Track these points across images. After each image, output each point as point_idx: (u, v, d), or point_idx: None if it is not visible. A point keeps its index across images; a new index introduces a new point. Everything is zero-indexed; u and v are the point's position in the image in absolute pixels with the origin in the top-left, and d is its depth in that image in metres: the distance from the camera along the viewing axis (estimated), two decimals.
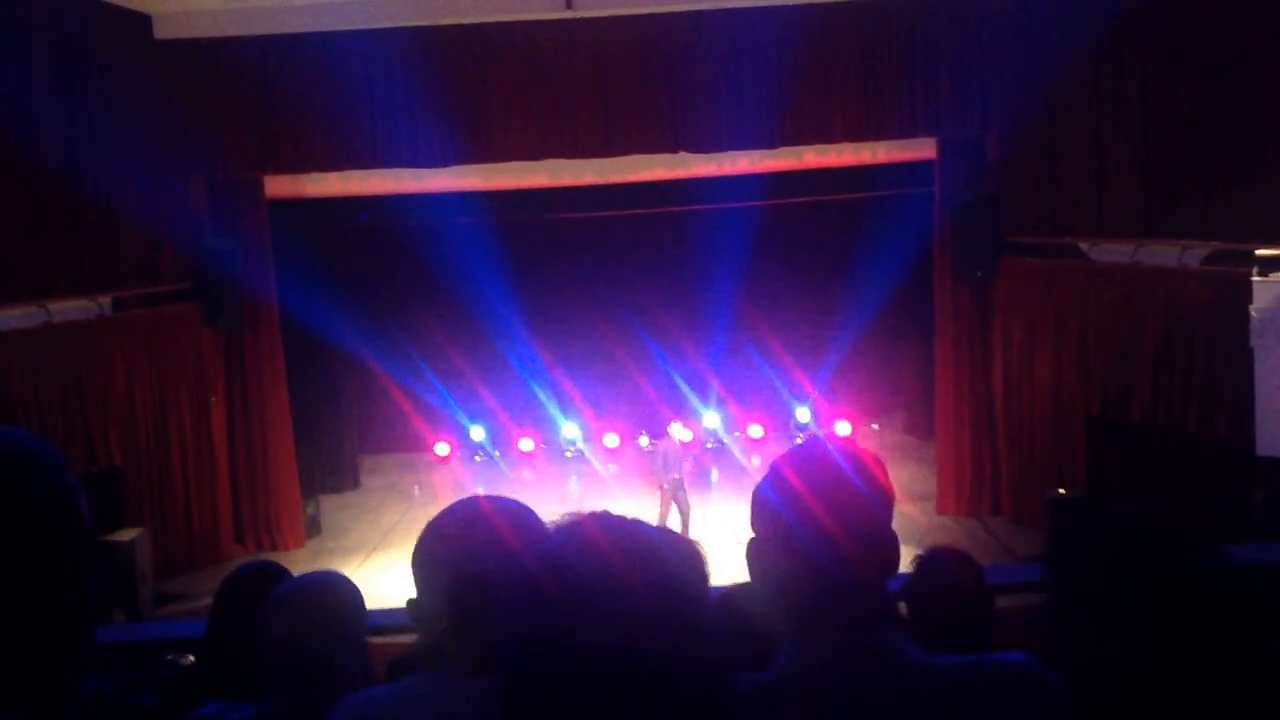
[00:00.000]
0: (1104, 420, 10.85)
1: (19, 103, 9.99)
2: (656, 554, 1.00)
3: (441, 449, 14.56)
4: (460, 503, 1.65)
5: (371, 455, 14.88)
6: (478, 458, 14.53)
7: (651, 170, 12.30)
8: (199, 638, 3.02)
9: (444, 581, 1.55)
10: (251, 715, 2.08)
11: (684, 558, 1.02)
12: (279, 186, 12.11)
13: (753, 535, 1.49)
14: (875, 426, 14.96)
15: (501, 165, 11.73)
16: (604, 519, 1.04)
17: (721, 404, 14.32)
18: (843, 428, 14.28)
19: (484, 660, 1.48)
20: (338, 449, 14.28)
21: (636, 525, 1.04)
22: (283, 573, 2.74)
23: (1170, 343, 9.93)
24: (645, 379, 14.42)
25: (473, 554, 1.54)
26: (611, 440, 14.55)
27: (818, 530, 1.41)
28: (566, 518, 1.05)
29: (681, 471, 11.45)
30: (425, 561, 1.59)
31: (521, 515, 1.60)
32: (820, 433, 13.51)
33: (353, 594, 2.15)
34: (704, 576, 1.04)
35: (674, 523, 10.96)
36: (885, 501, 1.47)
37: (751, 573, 1.49)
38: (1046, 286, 11.18)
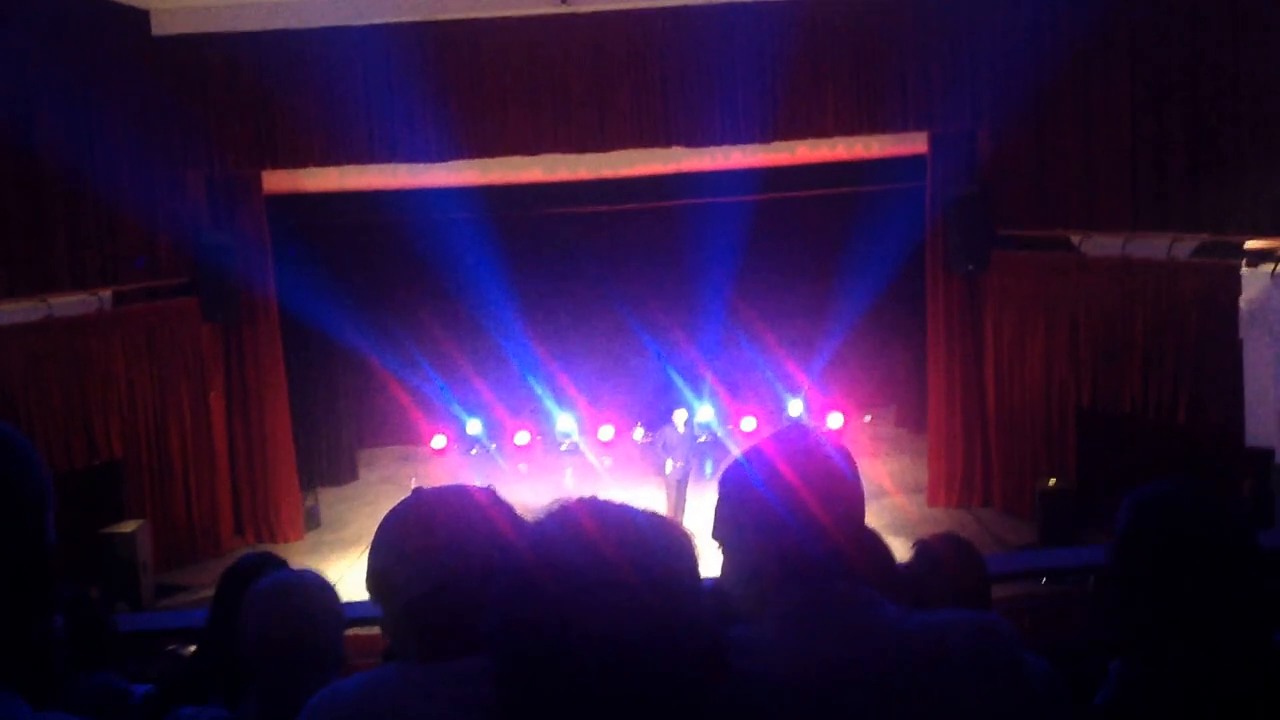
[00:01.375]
0: (1094, 411, 10.94)
1: (18, 99, 10.06)
2: (645, 539, 1.00)
3: (438, 442, 14.63)
4: (411, 501, 1.66)
5: (369, 448, 14.96)
6: (474, 451, 14.59)
7: (646, 165, 12.36)
8: (200, 628, 3.10)
9: (420, 591, 1.55)
10: (228, 718, 2.10)
11: (673, 542, 1.02)
12: (276, 181, 12.16)
13: (718, 518, 1.53)
14: (867, 419, 15.04)
15: (497, 160, 11.79)
16: (592, 504, 1.03)
17: (715, 396, 14.38)
18: (835, 420, 14.36)
19: (434, 647, 1.52)
20: (336, 442, 14.35)
21: (624, 510, 1.03)
22: (282, 565, 2.79)
23: (1160, 334, 10.00)
24: (640, 372, 14.50)
25: (443, 558, 1.55)
26: (606, 433, 14.62)
27: (798, 503, 1.46)
28: (555, 504, 1.04)
29: (686, 460, 11.50)
30: (383, 551, 1.61)
31: (485, 502, 1.61)
32: (801, 421, 13.59)
33: (325, 593, 2.13)
34: (693, 560, 1.04)
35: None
36: (856, 487, 1.52)
37: (724, 550, 1.52)
38: (1037, 279, 11.25)
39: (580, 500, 1.05)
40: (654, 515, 1.05)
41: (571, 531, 1.01)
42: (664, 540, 1.02)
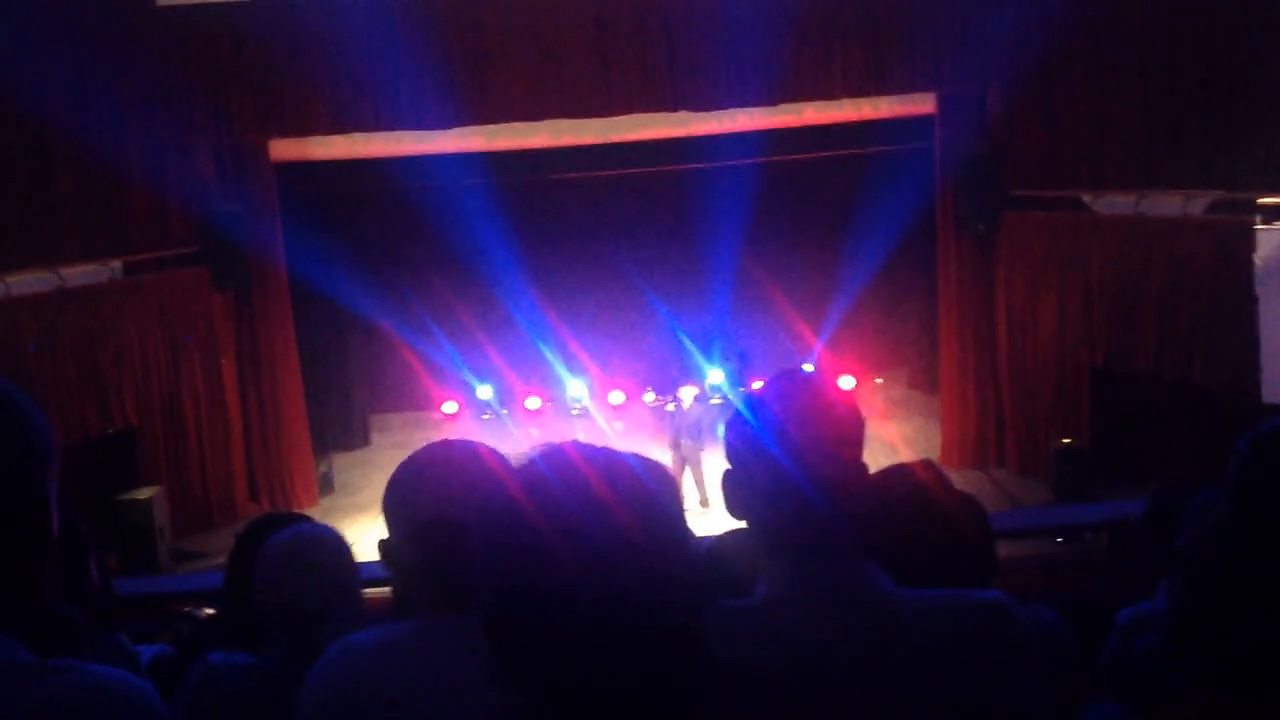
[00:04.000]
0: (1108, 370, 10.91)
1: (25, 71, 10.05)
2: (631, 471, 1.03)
3: (450, 407, 14.67)
4: (427, 447, 1.67)
5: (381, 414, 15.02)
6: (485, 416, 14.64)
7: (652, 129, 12.25)
8: (213, 589, 3.13)
9: (413, 525, 1.57)
10: (253, 663, 2.16)
11: (657, 476, 1.05)
12: (284, 150, 12.13)
13: (729, 467, 1.51)
14: (879, 381, 15.02)
15: (503, 126, 11.73)
16: (578, 444, 1.06)
17: (725, 359, 14.37)
18: (847, 382, 14.34)
19: (454, 601, 1.51)
20: (348, 408, 14.43)
21: (610, 449, 1.06)
22: (298, 522, 2.80)
23: (1174, 292, 9.95)
24: (650, 336, 14.49)
25: (440, 497, 1.56)
26: (616, 397, 14.64)
27: (793, 457, 1.42)
28: (540, 446, 1.06)
29: (697, 436, 11.35)
30: (393, 506, 1.61)
31: (488, 457, 1.62)
32: (798, 366, 13.49)
33: (336, 547, 2.19)
34: (677, 495, 1.06)
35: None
36: (856, 432, 1.49)
37: (727, 503, 1.51)
38: (1049, 239, 11.19)
39: (565, 441, 1.06)
40: (638, 455, 1.06)
41: (557, 465, 1.02)
42: (648, 473, 1.04)
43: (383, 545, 1.64)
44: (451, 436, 1.81)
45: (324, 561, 2.15)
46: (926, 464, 2.34)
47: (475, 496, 1.51)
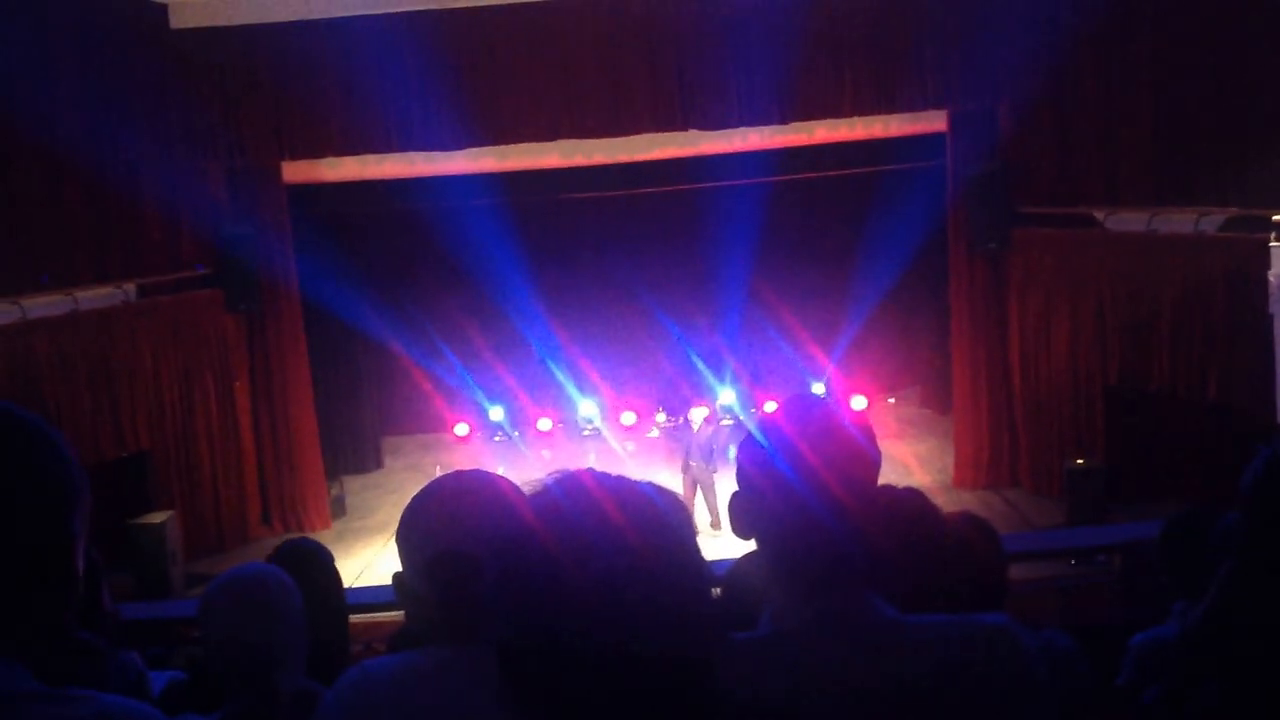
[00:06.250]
0: (1122, 390, 10.85)
1: (41, 95, 10.15)
2: (646, 499, 1.03)
3: (461, 429, 14.68)
4: (441, 478, 1.66)
5: (393, 436, 15.03)
6: (497, 437, 14.63)
7: (663, 149, 12.30)
8: None
9: (426, 556, 1.56)
10: None
11: (671, 504, 1.05)
12: (296, 172, 12.22)
13: (737, 489, 1.50)
14: (891, 401, 14.97)
15: (514, 147, 11.79)
16: (592, 472, 1.06)
17: (737, 380, 14.35)
18: (859, 402, 14.29)
19: (467, 632, 1.51)
20: (360, 430, 14.44)
21: (624, 477, 1.06)
22: (318, 550, 2.79)
23: (1188, 310, 9.89)
24: (661, 356, 14.48)
25: (454, 529, 1.56)
26: (628, 418, 14.64)
27: (806, 481, 1.41)
28: (555, 474, 1.07)
29: (708, 458, 11.18)
30: (407, 538, 1.61)
31: (503, 486, 1.61)
32: (812, 390, 13.41)
33: (279, 586, 2.18)
34: (690, 524, 1.06)
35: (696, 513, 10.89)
36: (871, 457, 1.48)
37: (734, 524, 1.50)
38: (1062, 257, 11.15)
39: (582, 470, 1.07)
40: (652, 483, 1.07)
41: (571, 491, 1.03)
42: (661, 499, 1.04)
43: (397, 578, 1.63)
44: (465, 464, 1.82)
45: (267, 603, 2.13)
46: (913, 492, 2.29)
47: (489, 527, 1.51)
